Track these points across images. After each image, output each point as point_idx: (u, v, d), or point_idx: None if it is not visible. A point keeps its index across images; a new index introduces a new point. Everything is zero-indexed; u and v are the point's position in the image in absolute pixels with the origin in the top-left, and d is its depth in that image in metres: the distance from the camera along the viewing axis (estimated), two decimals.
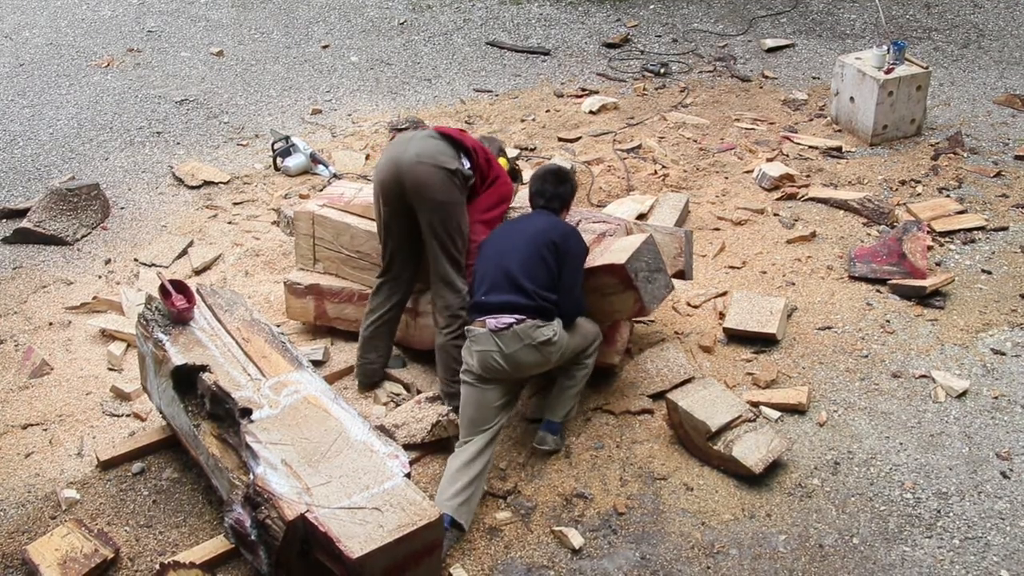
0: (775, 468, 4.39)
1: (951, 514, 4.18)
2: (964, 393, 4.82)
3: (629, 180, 6.82)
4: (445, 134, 4.65)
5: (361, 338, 4.88)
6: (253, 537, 3.67)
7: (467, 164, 4.63)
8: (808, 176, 6.83)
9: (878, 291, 5.61)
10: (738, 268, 5.87)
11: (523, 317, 4.18)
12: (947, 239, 6.08)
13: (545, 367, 4.35)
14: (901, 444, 4.55)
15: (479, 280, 4.36)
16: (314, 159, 7.24)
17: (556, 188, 4.53)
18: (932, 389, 4.87)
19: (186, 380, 4.23)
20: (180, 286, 4.53)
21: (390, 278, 4.81)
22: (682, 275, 5.12)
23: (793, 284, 5.71)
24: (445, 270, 4.58)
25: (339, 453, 3.83)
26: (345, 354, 5.19)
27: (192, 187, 7.10)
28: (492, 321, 4.19)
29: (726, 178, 6.90)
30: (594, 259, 4.54)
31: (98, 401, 5.00)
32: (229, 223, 6.64)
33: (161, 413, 4.55)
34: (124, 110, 8.35)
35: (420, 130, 4.78)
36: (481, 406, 4.26)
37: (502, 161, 5.03)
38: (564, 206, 4.58)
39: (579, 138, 7.52)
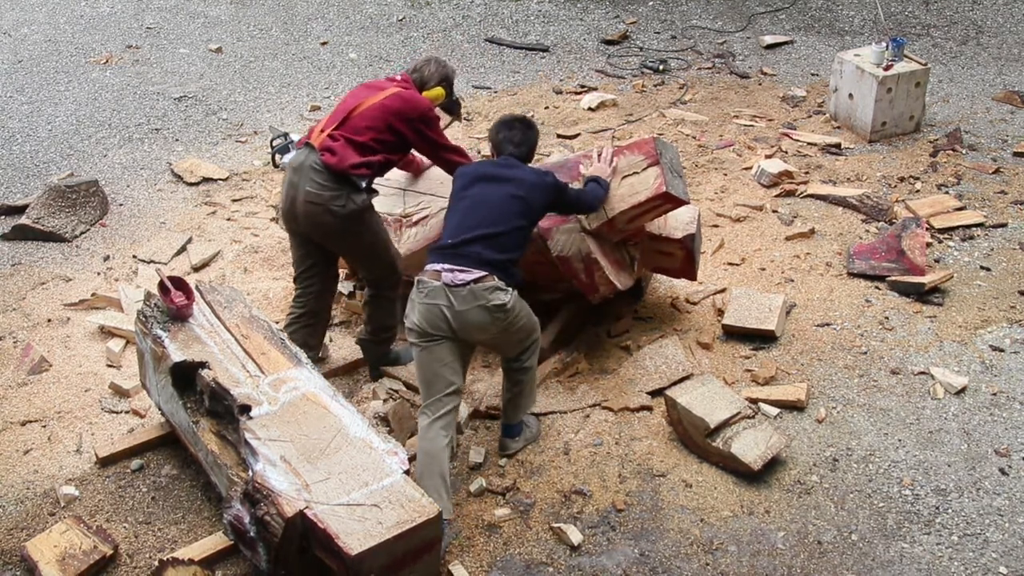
0: (774, 465, 4.39)
1: (950, 511, 4.18)
2: (963, 390, 4.82)
3: None
4: (329, 167, 4.42)
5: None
6: (252, 534, 3.67)
7: (363, 184, 4.47)
8: (807, 173, 6.83)
9: (877, 288, 5.61)
10: (737, 265, 5.87)
11: (485, 274, 4.05)
12: (946, 236, 6.08)
13: (487, 334, 4.15)
14: (900, 441, 4.55)
15: (452, 225, 4.21)
16: None
17: (525, 134, 4.44)
18: (931, 386, 4.87)
19: (185, 377, 4.23)
20: (179, 283, 4.52)
21: (302, 285, 4.84)
22: (690, 272, 5.16)
23: (792, 281, 5.71)
24: (370, 274, 4.82)
25: (338, 450, 3.83)
26: (344, 351, 5.19)
27: (191, 184, 7.09)
28: (448, 275, 4.05)
29: (725, 175, 6.90)
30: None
31: (97, 398, 5.00)
32: (228, 220, 6.64)
33: (160, 410, 4.55)
34: (123, 107, 8.34)
35: (310, 155, 4.48)
36: (433, 365, 4.12)
37: (437, 91, 4.75)
38: (531, 152, 4.47)
39: (578, 135, 7.52)
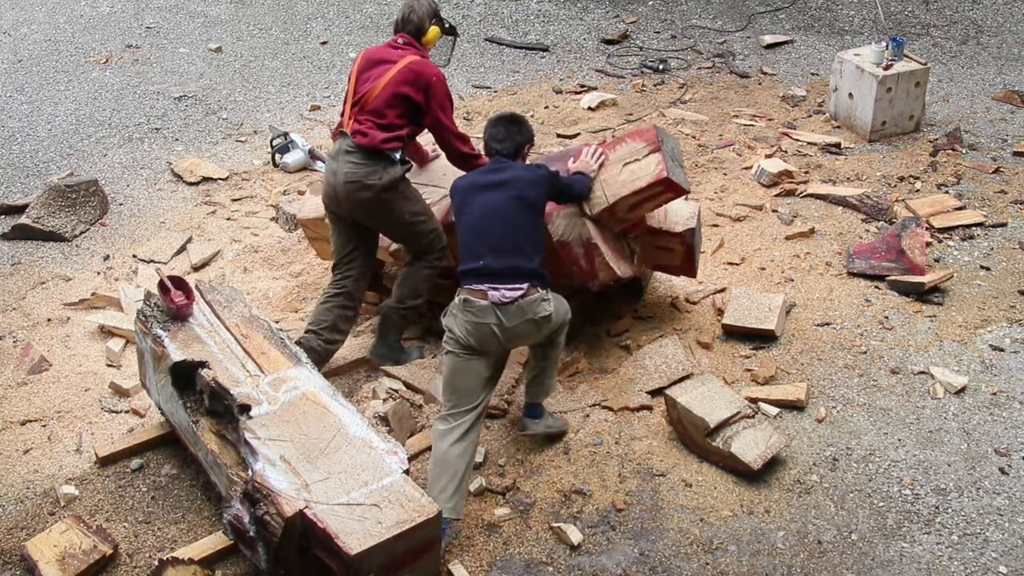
0: (774, 464, 4.39)
1: (950, 510, 4.18)
2: (963, 389, 4.82)
3: None
4: (362, 146, 4.62)
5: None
6: (252, 533, 3.67)
7: (397, 156, 4.69)
8: (807, 172, 6.83)
9: (877, 287, 5.61)
10: (737, 264, 5.87)
11: (526, 286, 4.10)
12: (946, 235, 6.08)
13: (533, 339, 4.28)
14: (900, 440, 4.55)
15: (472, 244, 4.22)
16: (313, 155, 7.24)
17: (508, 130, 4.42)
18: (931, 385, 4.87)
19: (185, 376, 4.23)
20: (179, 282, 4.52)
21: (341, 270, 4.95)
22: (690, 268, 5.17)
23: (792, 280, 5.71)
24: (416, 248, 4.90)
25: (338, 449, 3.83)
26: (344, 350, 5.18)
27: (191, 183, 7.09)
28: (495, 293, 4.08)
29: (725, 174, 6.90)
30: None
31: (97, 397, 5.00)
32: (228, 219, 6.64)
33: (160, 409, 4.55)
34: (123, 106, 8.35)
35: (344, 141, 4.71)
36: (468, 377, 4.16)
37: (434, 30, 4.85)
38: (518, 151, 4.44)
39: (578, 134, 7.52)
